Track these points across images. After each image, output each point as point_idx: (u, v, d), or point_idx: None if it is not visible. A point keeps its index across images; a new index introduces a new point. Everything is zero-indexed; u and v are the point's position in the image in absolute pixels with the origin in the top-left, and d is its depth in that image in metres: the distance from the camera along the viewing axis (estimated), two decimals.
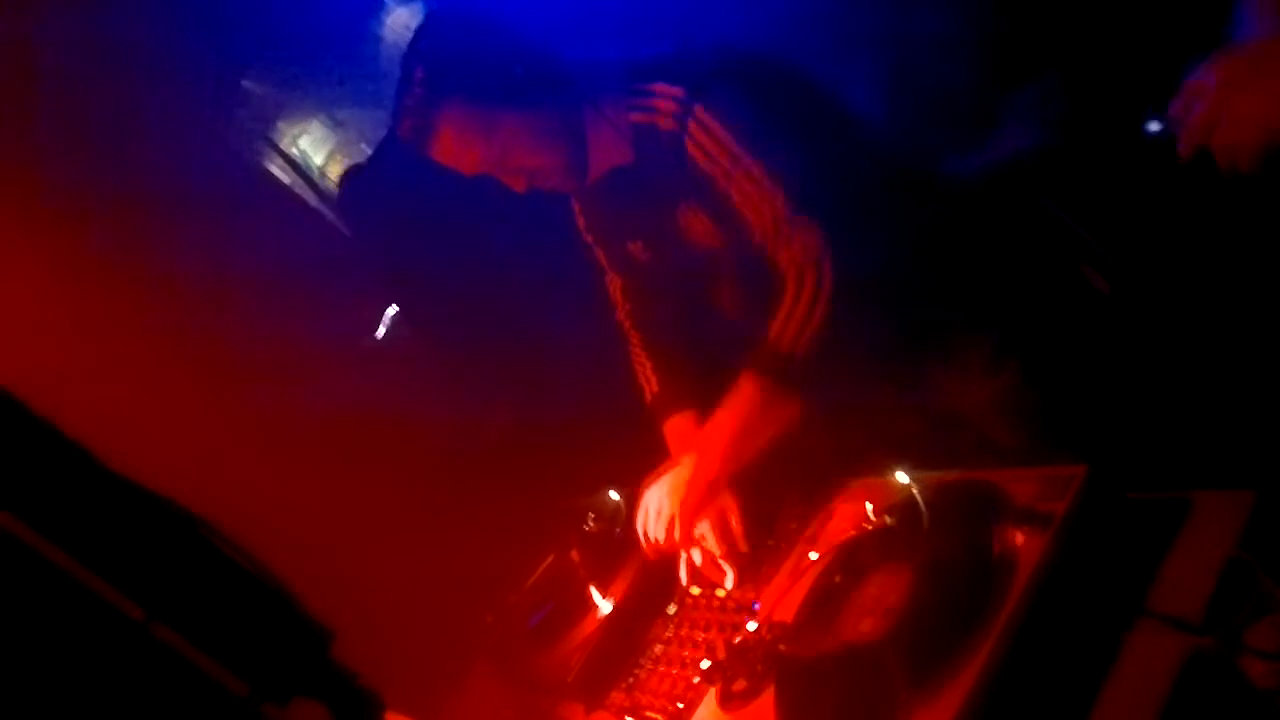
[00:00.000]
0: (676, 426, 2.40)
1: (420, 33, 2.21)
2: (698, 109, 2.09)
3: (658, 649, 2.18)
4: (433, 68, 2.14)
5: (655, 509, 2.16)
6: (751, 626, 1.92)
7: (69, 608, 1.16)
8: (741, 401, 2.09)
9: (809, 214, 2.03)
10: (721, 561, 2.21)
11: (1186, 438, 2.15)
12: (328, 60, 4.34)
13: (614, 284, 2.52)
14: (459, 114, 2.15)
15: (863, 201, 2.15)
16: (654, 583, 2.29)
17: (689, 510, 2.10)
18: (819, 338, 2.01)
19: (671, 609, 2.25)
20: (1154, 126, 2.19)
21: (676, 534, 2.13)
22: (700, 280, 2.38)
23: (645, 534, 2.22)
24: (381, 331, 4.35)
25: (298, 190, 4.49)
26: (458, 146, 2.18)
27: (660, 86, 2.14)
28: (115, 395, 3.11)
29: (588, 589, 2.45)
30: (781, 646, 1.83)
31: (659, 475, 2.20)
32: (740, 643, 1.91)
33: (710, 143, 2.08)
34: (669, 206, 2.20)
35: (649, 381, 2.48)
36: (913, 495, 1.73)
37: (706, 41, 2.25)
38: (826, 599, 1.81)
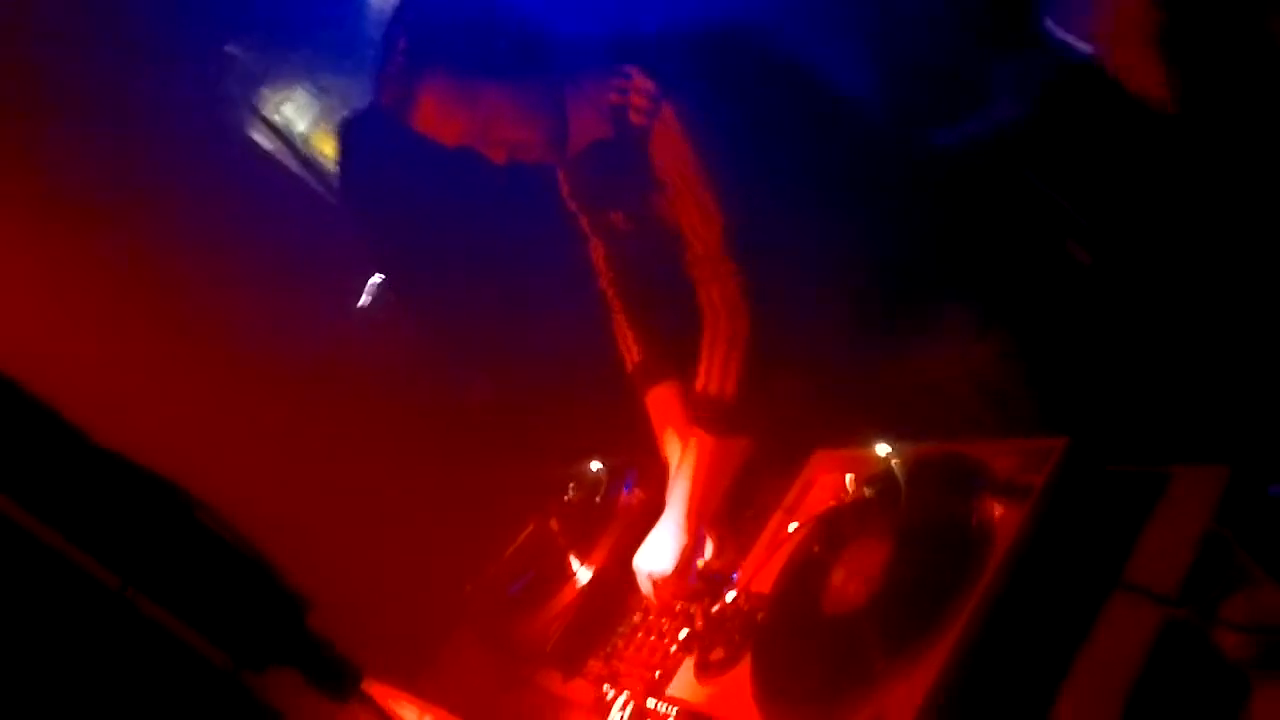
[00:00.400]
0: (658, 397, 2.40)
1: (405, 2, 2.19)
2: (665, 110, 2.08)
3: (636, 618, 2.19)
4: (416, 37, 2.12)
5: (651, 583, 2.16)
6: (729, 596, 1.92)
7: (47, 576, 1.16)
8: (695, 460, 2.12)
9: (738, 256, 2.05)
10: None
11: (1164, 411, 2.16)
12: (312, 26, 4.30)
13: (596, 252, 2.52)
14: (441, 84, 2.13)
15: (825, 194, 2.16)
16: (633, 552, 2.29)
17: (681, 588, 2.11)
18: (743, 378, 2.05)
19: None
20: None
21: (677, 606, 2.13)
22: (677, 255, 2.38)
23: (651, 602, 2.22)
24: (364, 300, 4.34)
25: (280, 157, 4.45)
26: (439, 117, 2.17)
27: (636, 76, 2.13)
28: (94, 363, 3.10)
29: (567, 558, 2.46)
30: (759, 616, 1.84)
31: (644, 544, 2.19)
32: (718, 612, 1.91)
33: (669, 153, 2.09)
34: (645, 187, 2.19)
35: (630, 350, 2.48)
36: (892, 467, 1.73)
37: (689, 21, 2.24)
38: (805, 569, 1.82)
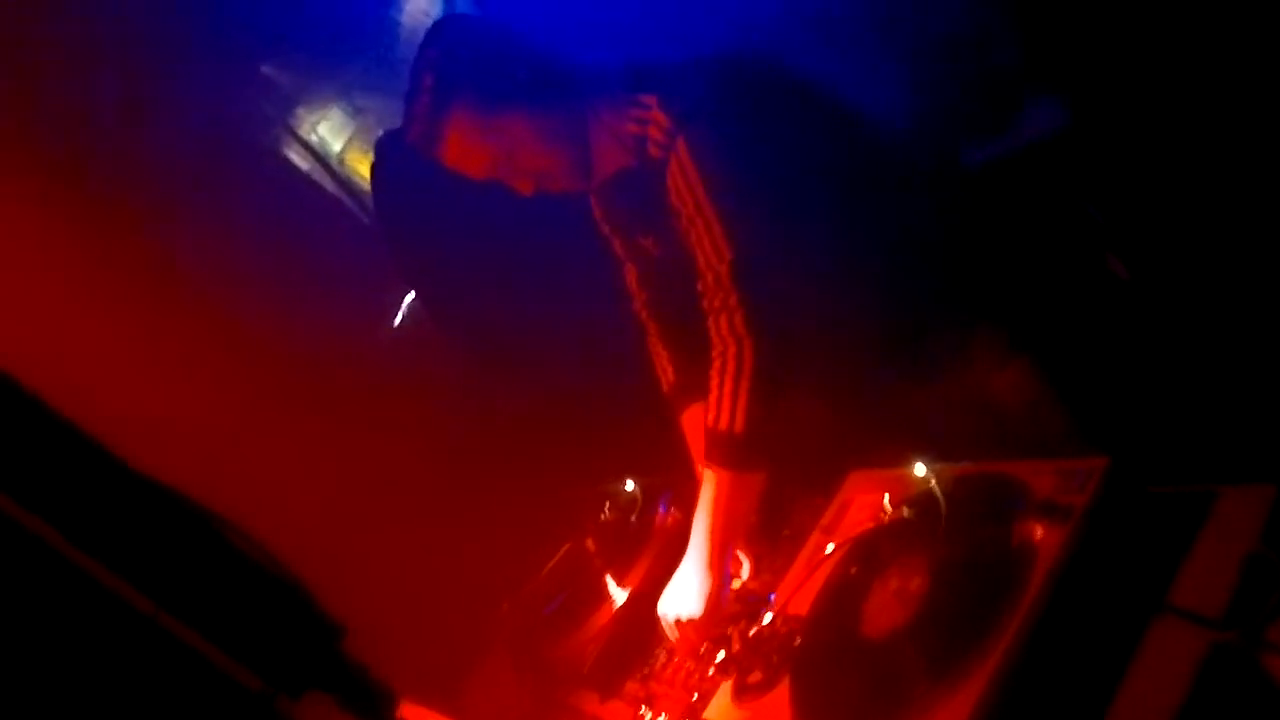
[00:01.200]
0: (694, 417, 2.39)
1: (429, 39, 2.24)
2: (680, 143, 2.09)
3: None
4: (440, 75, 2.16)
5: (679, 628, 2.13)
6: (767, 618, 1.91)
7: (82, 601, 1.16)
8: (713, 498, 2.09)
9: (746, 286, 2.04)
10: (738, 551, 2.22)
11: (1208, 430, 2.13)
12: (347, 47, 4.33)
13: (630, 275, 2.53)
14: (465, 116, 2.17)
15: (850, 217, 2.17)
16: (670, 573, 2.27)
17: (709, 630, 2.08)
18: (752, 411, 2.02)
19: None
20: None
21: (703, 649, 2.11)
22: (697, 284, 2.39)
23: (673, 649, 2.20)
24: (399, 319, 4.35)
25: (316, 177, 4.48)
26: (465, 150, 2.20)
27: (654, 108, 2.14)
28: (130, 386, 3.13)
29: (603, 578, 2.45)
30: (797, 639, 1.83)
31: (669, 588, 2.17)
32: (756, 635, 1.90)
33: (683, 184, 2.09)
34: (668, 215, 2.20)
35: (665, 371, 2.48)
36: (931, 487, 1.72)
37: (709, 48, 2.24)
38: (843, 591, 1.81)
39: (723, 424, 2.04)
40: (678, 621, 2.10)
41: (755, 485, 2.10)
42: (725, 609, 2.08)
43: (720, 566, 2.08)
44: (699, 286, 2.10)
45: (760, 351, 2.01)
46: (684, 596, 2.09)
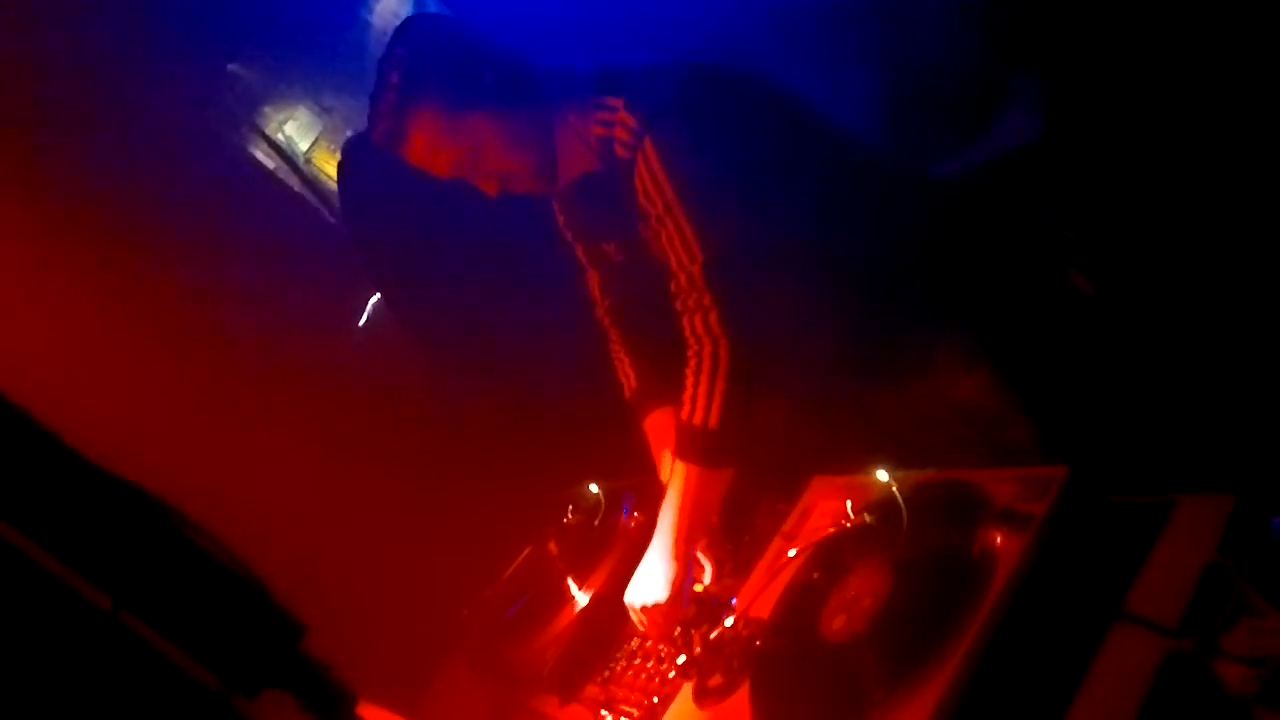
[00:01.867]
0: (655, 422, 2.40)
1: (397, 38, 2.24)
2: (646, 143, 2.10)
3: (634, 643, 2.18)
4: (406, 73, 2.16)
5: (645, 615, 2.14)
6: (728, 622, 1.91)
7: (36, 596, 1.15)
8: (681, 490, 2.11)
9: (719, 285, 2.05)
10: (700, 554, 2.23)
11: (1168, 441, 2.15)
12: (316, 46, 4.31)
13: (592, 281, 2.53)
14: (430, 116, 2.17)
15: (818, 224, 2.18)
16: (631, 576, 2.28)
17: (676, 615, 2.09)
18: (727, 408, 2.04)
19: None
20: None
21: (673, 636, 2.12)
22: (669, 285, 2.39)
23: (646, 636, 2.21)
24: (364, 320, 4.33)
25: (282, 176, 4.46)
26: (429, 149, 2.20)
27: (621, 110, 2.15)
28: (90, 380, 3.10)
29: (565, 581, 2.44)
30: (758, 643, 1.83)
31: (634, 577, 2.17)
32: (717, 638, 1.90)
33: (651, 184, 2.10)
34: (634, 218, 2.21)
35: (628, 377, 2.49)
36: (893, 493, 1.72)
37: (678, 53, 2.26)
38: (804, 596, 1.81)
39: (696, 419, 2.06)
40: (644, 608, 2.10)
41: (723, 480, 2.12)
42: (689, 597, 2.09)
43: (685, 555, 2.10)
44: (671, 287, 2.11)
45: (735, 350, 2.03)
46: (650, 584, 2.10)
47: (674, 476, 2.12)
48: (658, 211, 2.09)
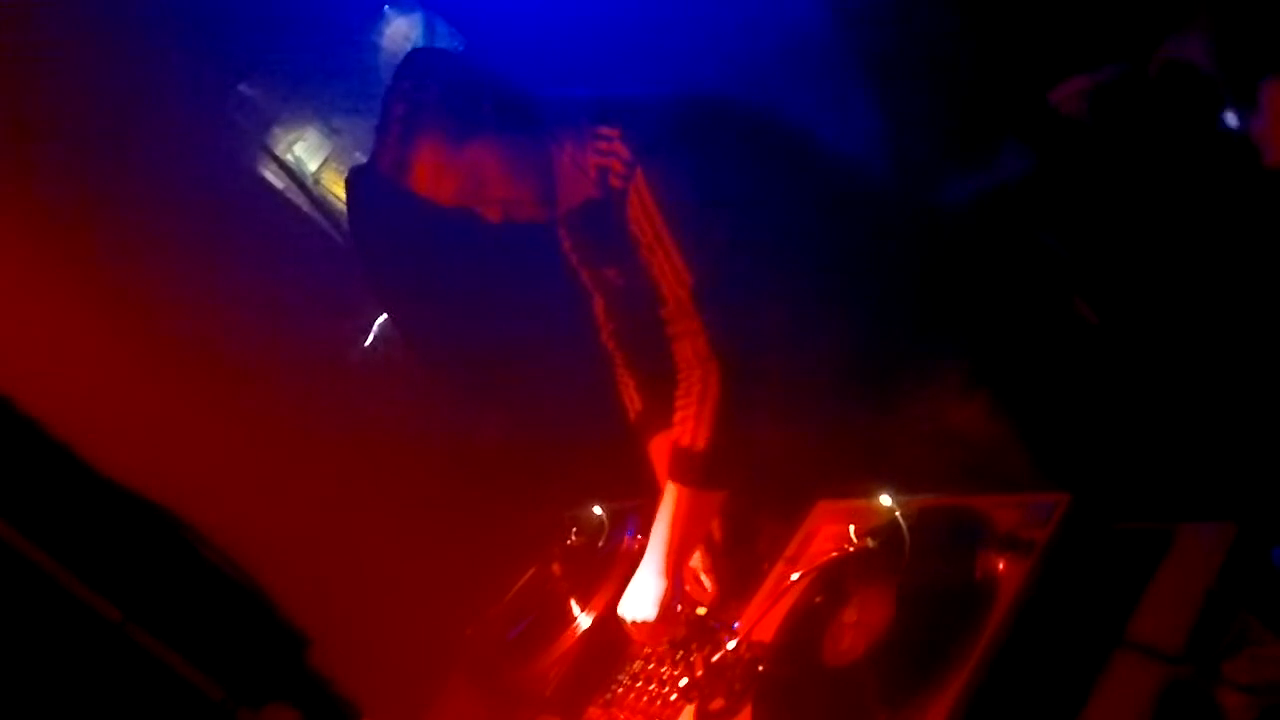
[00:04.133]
0: (659, 445, 2.42)
1: (401, 71, 2.29)
2: (638, 174, 2.13)
3: (636, 665, 2.18)
4: (410, 105, 2.21)
5: (636, 630, 2.20)
6: (731, 645, 1.91)
7: (46, 607, 1.16)
8: (672, 511, 2.15)
9: (707, 310, 2.09)
10: (703, 576, 2.25)
11: (1170, 469, 2.15)
12: (326, 68, 4.34)
13: (598, 305, 2.55)
14: (433, 147, 2.22)
15: (815, 251, 2.21)
16: None
17: (664, 631, 2.14)
18: (717, 431, 2.08)
19: None
20: (1231, 121, 2.21)
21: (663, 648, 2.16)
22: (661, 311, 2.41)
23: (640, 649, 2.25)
24: (371, 339, 4.34)
25: (291, 196, 4.48)
26: (433, 178, 2.25)
27: (616, 140, 2.18)
28: (103, 397, 3.11)
29: (568, 602, 2.44)
30: (760, 666, 1.83)
31: (626, 592, 2.22)
32: (719, 661, 1.90)
33: (642, 214, 2.13)
34: (632, 246, 2.23)
35: (632, 400, 2.51)
36: (896, 519, 1.73)
37: (674, 83, 2.30)
38: (807, 619, 1.81)
39: (684, 441, 2.10)
40: (634, 623, 2.17)
41: (713, 503, 2.18)
42: (678, 613, 2.13)
43: (674, 574, 2.15)
44: (663, 313, 2.15)
45: (725, 374, 2.06)
46: (639, 601, 2.16)
47: (665, 496, 2.17)
48: (648, 240, 2.13)
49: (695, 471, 2.10)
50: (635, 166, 2.13)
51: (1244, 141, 1.94)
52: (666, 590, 2.13)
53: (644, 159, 2.13)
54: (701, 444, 2.08)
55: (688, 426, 2.10)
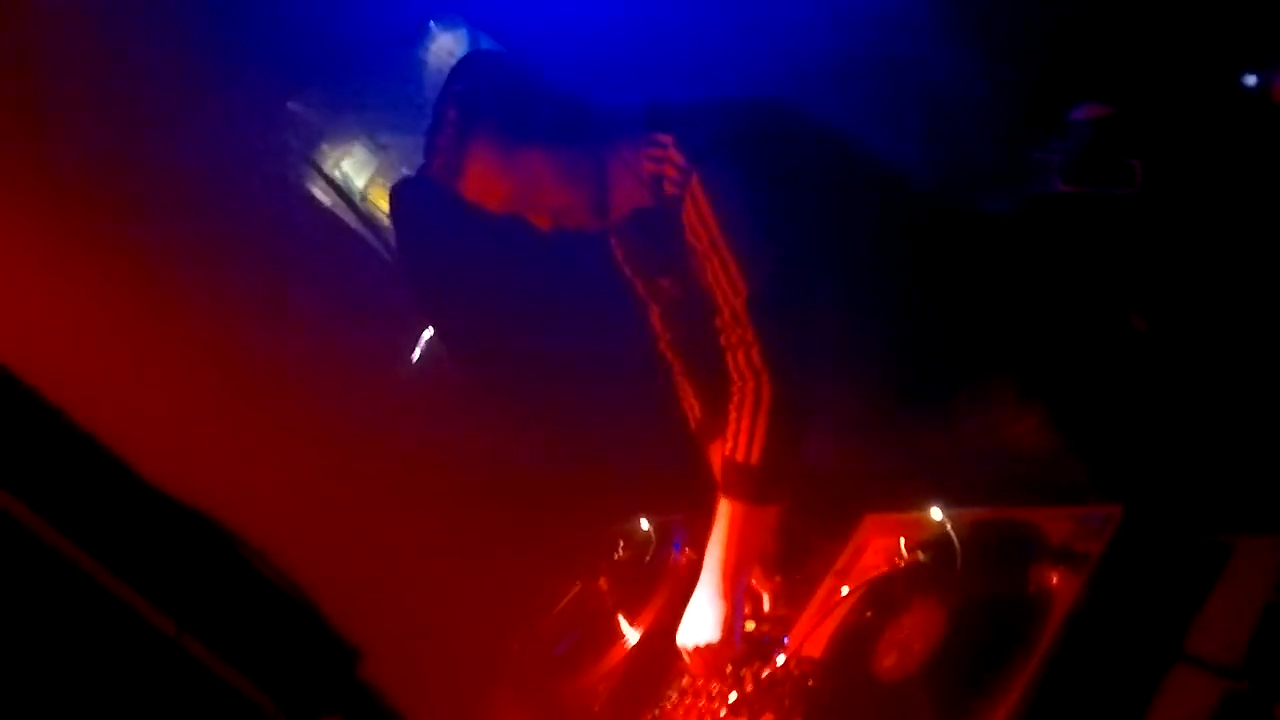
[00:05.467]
0: (719, 451, 2.41)
1: (455, 74, 2.28)
2: (694, 180, 2.12)
3: (685, 680, 2.17)
4: (463, 108, 2.20)
5: (699, 655, 2.14)
6: (780, 660, 1.90)
7: (101, 619, 1.17)
8: (727, 529, 2.11)
9: (761, 321, 2.06)
10: (764, 596, 2.26)
11: (1226, 481, 2.12)
12: (372, 85, 4.38)
13: (654, 314, 2.55)
14: (485, 151, 2.21)
15: (865, 261, 2.20)
16: (682, 613, 2.27)
17: (727, 654, 2.09)
18: (770, 444, 2.03)
19: None
20: (1250, 80, 2.19)
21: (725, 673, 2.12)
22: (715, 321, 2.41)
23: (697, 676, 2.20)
24: (417, 355, 4.37)
25: (339, 212, 4.53)
26: (485, 184, 2.24)
27: (670, 147, 2.17)
28: (156, 411, 3.15)
29: (615, 618, 2.44)
30: (810, 682, 1.82)
31: (684, 619, 2.17)
32: (768, 677, 1.89)
33: (697, 220, 2.12)
34: (686, 253, 2.22)
35: (691, 408, 2.50)
36: (947, 532, 1.71)
37: (727, 91, 2.29)
38: (857, 635, 1.80)
39: (739, 456, 2.06)
40: (695, 649, 2.10)
41: (770, 519, 2.12)
42: (740, 635, 2.09)
43: (733, 595, 2.09)
44: (717, 323, 2.12)
45: (777, 386, 2.03)
46: (700, 625, 2.10)
47: (719, 513, 2.13)
48: (703, 248, 2.11)
49: (748, 485, 2.06)
50: (691, 173, 2.12)
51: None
52: (727, 613, 2.08)
53: (700, 165, 2.12)
54: (755, 458, 2.04)
55: (741, 440, 2.06)
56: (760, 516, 2.10)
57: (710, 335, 2.17)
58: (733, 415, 2.08)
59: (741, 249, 2.08)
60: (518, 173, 2.22)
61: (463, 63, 2.33)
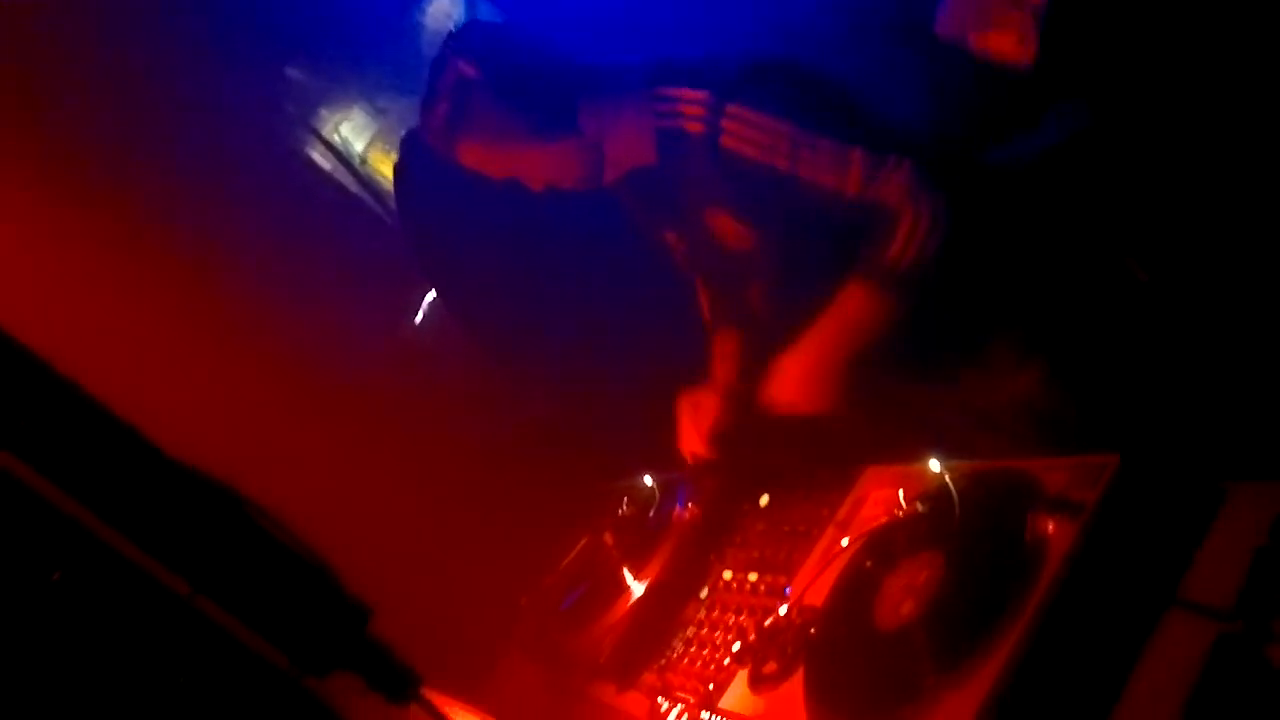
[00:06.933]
0: (725, 337, 2.46)
1: (449, 44, 2.30)
2: (730, 107, 2.13)
3: (689, 631, 2.20)
4: (455, 103, 2.24)
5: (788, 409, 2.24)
6: (782, 610, 1.93)
7: (117, 581, 1.20)
8: (843, 303, 2.17)
9: (892, 157, 2.10)
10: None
11: (1220, 428, 2.14)
12: (370, 48, 4.37)
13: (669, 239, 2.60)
14: (477, 146, 2.29)
15: None
16: (686, 566, 2.30)
17: (828, 389, 2.21)
18: (926, 263, 2.09)
19: (704, 592, 2.27)
20: None
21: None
22: (732, 281, 2.42)
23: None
24: (421, 317, 4.38)
25: (338, 176, 4.52)
26: (482, 153, 2.31)
27: (685, 92, 2.17)
28: (164, 376, 3.17)
29: (621, 572, 2.47)
30: (812, 630, 1.85)
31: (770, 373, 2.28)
32: (771, 625, 1.92)
33: (754, 132, 2.12)
34: (696, 210, 2.23)
35: (704, 310, 2.61)
36: (945, 482, 1.73)
37: (734, 49, 2.29)
38: (857, 584, 1.83)
39: (904, 259, 2.10)
40: (788, 403, 2.23)
41: (883, 313, 2.17)
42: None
43: (826, 355, 2.20)
44: (847, 197, 2.14)
45: (936, 198, 2.09)
46: (790, 384, 2.23)
47: (838, 298, 2.18)
48: (781, 149, 2.13)
49: (888, 273, 2.11)
50: (722, 103, 2.14)
51: None
52: (828, 357, 2.19)
53: (737, 93, 2.15)
54: (909, 259, 2.09)
55: (897, 245, 2.09)
56: (878, 305, 2.15)
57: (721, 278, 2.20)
58: (906, 227, 2.10)
59: (824, 124, 2.13)
60: (509, 161, 2.30)
61: (456, 33, 2.34)
